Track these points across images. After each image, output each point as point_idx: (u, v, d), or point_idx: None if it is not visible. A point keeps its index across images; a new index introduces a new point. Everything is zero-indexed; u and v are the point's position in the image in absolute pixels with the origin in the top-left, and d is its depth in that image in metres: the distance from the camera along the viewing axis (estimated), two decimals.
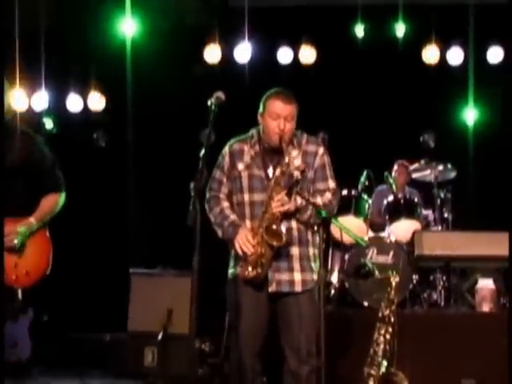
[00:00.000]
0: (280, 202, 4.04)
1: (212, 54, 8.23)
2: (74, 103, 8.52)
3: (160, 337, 6.49)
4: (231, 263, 4.30)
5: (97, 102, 8.43)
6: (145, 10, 8.27)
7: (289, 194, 4.11)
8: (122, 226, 8.34)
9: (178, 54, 8.48)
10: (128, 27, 8.24)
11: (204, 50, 8.26)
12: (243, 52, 8.35)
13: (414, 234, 6.52)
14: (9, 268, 4.16)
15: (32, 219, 4.29)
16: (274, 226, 4.04)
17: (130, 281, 6.94)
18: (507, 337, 4.92)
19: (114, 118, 8.63)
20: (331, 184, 4.27)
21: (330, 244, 6.96)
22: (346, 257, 6.50)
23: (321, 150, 4.26)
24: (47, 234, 4.41)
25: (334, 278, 6.80)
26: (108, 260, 8.02)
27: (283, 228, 4.07)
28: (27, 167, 4.28)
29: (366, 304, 6.21)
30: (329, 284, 6.70)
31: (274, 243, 4.03)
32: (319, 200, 4.16)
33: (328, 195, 4.22)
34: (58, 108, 8.17)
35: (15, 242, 4.21)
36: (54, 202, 4.38)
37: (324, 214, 3.97)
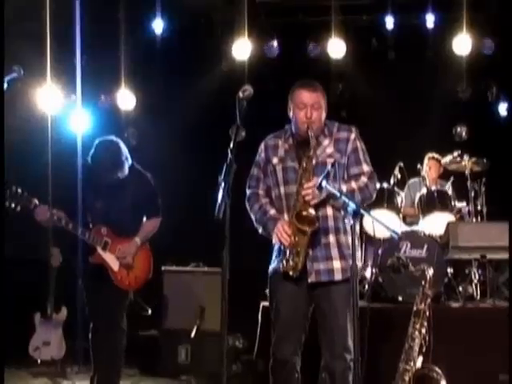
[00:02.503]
0: (310, 190, 4.00)
1: (241, 49, 8.21)
2: (104, 102, 8.56)
3: (193, 334, 6.49)
4: (272, 259, 4.27)
5: (127, 100, 8.46)
6: (173, 8, 8.28)
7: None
8: None
9: (207, 51, 8.47)
10: (157, 25, 8.27)
11: (232, 46, 8.25)
12: (272, 47, 8.33)
13: (448, 225, 6.43)
14: (124, 276, 5.06)
15: (137, 239, 5.11)
16: (305, 212, 4.00)
17: (163, 278, 6.96)
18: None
19: (144, 116, 8.64)
20: (366, 168, 4.21)
21: (363, 239, 6.91)
22: (380, 251, 6.43)
23: (352, 136, 4.22)
24: (148, 246, 5.21)
25: (368, 273, 6.75)
26: None
27: (313, 211, 4.00)
28: (141, 201, 5.11)
29: (400, 299, 6.13)
30: (362, 279, 6.65)
31: (307, 228, 4.00)
32: (354, 185, 4.12)
33: (363, 179, 4.16)
34: (89, 107, 8.18)
35: (130, 261, 5.05)
36: (154, 225, 5.22)
37: (352, 206, 3.86)
